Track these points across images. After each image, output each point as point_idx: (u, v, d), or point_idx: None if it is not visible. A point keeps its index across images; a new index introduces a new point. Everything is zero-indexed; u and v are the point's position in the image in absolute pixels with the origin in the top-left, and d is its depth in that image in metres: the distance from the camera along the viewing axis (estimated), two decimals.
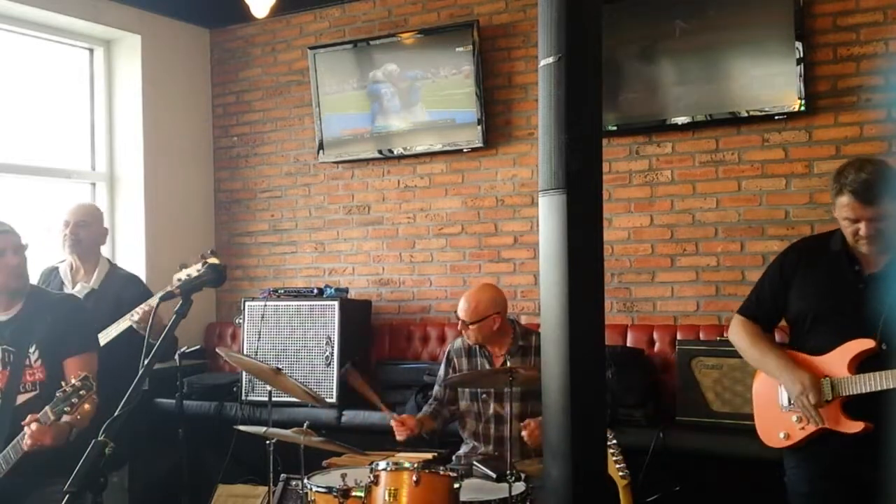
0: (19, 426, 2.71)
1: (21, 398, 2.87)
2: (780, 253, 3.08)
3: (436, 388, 3.88)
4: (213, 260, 3.55)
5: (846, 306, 2.80)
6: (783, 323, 3.04)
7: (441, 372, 3.86)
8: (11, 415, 2.82)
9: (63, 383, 2.68)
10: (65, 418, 2.76)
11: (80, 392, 2.63)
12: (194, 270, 3.60)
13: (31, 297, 3.01)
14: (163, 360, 4.29)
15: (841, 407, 2.76)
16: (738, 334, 3.03)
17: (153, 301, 3.55)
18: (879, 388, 2.66)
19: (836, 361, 2.78)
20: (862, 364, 2.73)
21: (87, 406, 2.67)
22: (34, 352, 2.92)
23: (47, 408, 2.64)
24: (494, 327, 3.63)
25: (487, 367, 3.69)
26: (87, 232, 3.88)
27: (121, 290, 3.78)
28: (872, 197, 2.68)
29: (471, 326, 3.62)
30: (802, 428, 2.83)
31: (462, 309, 3.64)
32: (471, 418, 3.71)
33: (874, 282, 2.77)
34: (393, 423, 3.64)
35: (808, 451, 2.86)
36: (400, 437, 3.61)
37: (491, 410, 3.64)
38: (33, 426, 2.65)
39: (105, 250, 5.37)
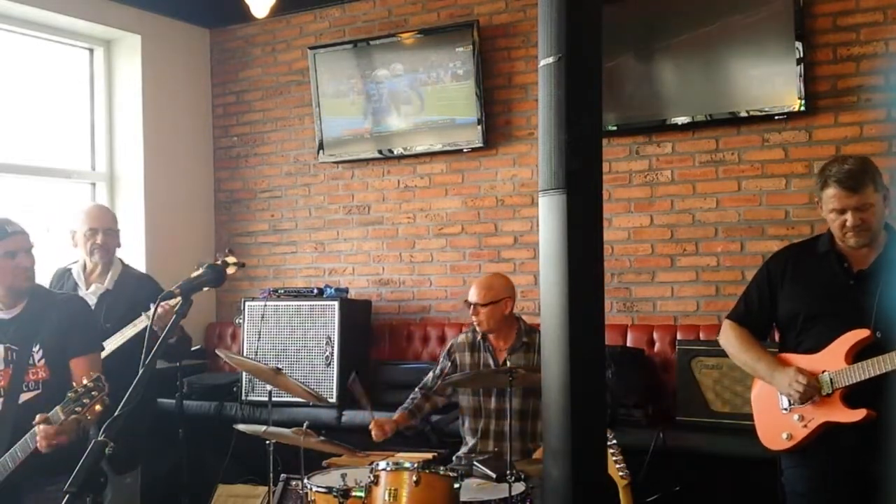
0: (22, 424, 2.71)
1: (24, 397, 2.87)
2: (767, 259, 3.09)
3: (430, 375, 3.90)
4: (230, 258, 3.51)
5: (839, 304, 2.82)
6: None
7: (440, 365, 3.87)
8: (14, 413, 2.82)
9: (74, 384, 2.67)
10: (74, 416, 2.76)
11: (93, 393, 2.63)
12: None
13: (34, 297, 3.01)
14: (178, 360, 4.30)
15: (841, 398, 2.77)
16: (728, 339, 3.06)
17: (172, 302, 3.49)
18: (878, 373, 2.67)
19: (833, 355, 2.79)
20: (858, 355, 2.75)
21: (98, 407, 2.67)
22: (38, 351, 2.92)
23: (58, 407, 2.63)
24: (506, 311, 3.66)
25: (491, 361, 3.71)
26: (115, 239, 3.81)
27: (135, 290, 3.75)
28: (856, 185, 2.74)
29: (483, 309, 3.63)
30: (805, 426, 2.83)
31: (474, 292, 3.66)
32: (470, 415, 3.72)
33: (865, 278, 2.80)
34: (372, 425, 3.65)
35: (808, 450, 2.86)
36: (377, 438, 3.64)
37: (492, 405, 3.65)
38: (44, 427, 2.64)
39: None
